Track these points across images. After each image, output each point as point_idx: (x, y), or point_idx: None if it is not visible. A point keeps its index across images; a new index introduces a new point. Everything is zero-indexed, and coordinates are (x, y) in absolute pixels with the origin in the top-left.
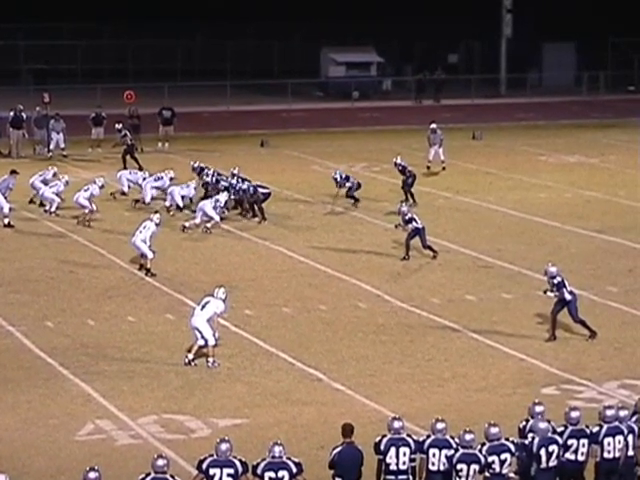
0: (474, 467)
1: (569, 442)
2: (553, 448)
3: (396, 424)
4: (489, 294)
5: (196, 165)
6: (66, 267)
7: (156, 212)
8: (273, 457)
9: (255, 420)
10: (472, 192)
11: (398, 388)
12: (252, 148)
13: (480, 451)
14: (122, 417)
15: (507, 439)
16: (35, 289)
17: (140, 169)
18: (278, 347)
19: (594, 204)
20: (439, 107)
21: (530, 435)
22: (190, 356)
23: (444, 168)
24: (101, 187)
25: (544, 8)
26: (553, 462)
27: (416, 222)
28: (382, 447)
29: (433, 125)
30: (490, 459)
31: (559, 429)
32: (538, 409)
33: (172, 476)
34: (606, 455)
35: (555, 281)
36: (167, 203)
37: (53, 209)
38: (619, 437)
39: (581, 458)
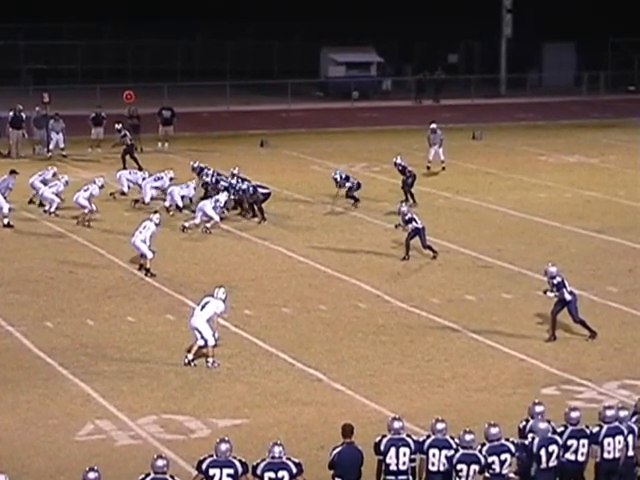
0: (474, 467)
1: (569, 442)
2: (553, 448)
3: (396, 424)
4: (489, 294)
5: (196, 165)
6: (66, 267)
7: (156, 212)
8: (273, 457)
9: (255, 420)
10: (472, 192)
11: (398, 388)
12: (252, 148)
13: (480, 451)
14: (122, 417)
15: (507, 439)
16: (35, 289)
17: (140, 169)
18: (278, 347)
19: (594, 204)
20: (439, 107)
21: (530, 435)
22: (190, 356)
23: (444, 168)
24: (101, 187)
25: (544, 8)
26: (553, 462)
27: (416, 222)
28: (382, 447)
29: (433, 125)
30: (490, 459)
31: (559, 429)
32: (538, 409)
33: (172, 476)
34: (606, 455)
35: (555, 281)
36: (167, 203)
37: (53, 209)
38: (619, 437)
39: (581, 458)
